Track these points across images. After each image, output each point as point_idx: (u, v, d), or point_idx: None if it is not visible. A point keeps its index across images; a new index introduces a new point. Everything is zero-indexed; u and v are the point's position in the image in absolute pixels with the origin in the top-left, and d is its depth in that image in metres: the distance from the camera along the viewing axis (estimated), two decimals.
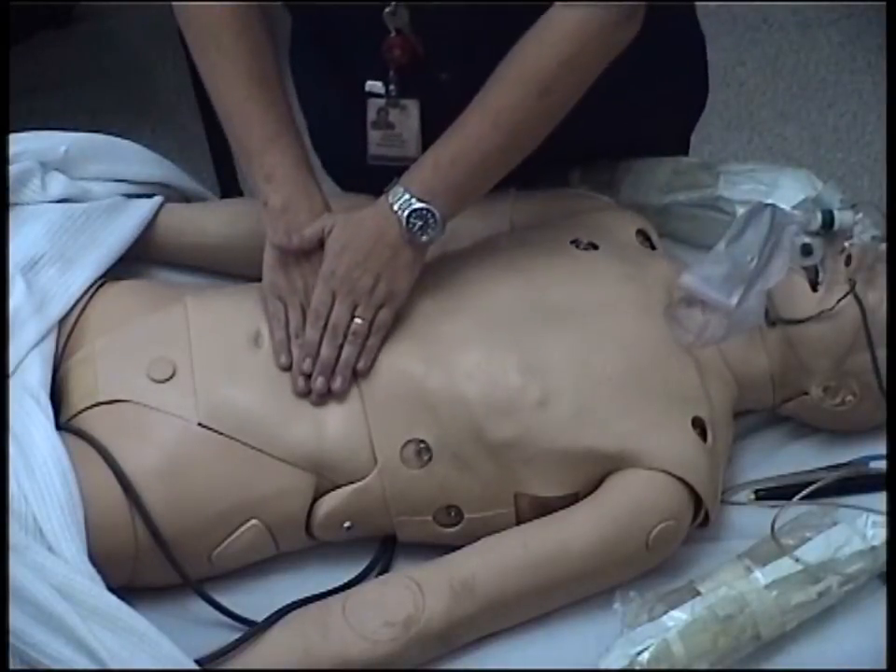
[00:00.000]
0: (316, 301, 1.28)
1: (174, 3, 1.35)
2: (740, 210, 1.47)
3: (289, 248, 1.30)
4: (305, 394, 1.27)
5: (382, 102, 1.40)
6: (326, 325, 1.28)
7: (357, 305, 1.28)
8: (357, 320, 1.27)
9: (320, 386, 1.26)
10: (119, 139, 1.53)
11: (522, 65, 1.25)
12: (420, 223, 1.26)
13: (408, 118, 1.40)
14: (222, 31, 1.33)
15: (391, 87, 1.38)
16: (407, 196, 1.26)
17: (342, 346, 1.28)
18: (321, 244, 1.29)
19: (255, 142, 1.31)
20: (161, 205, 1.49)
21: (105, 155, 1.50)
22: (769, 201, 1.45)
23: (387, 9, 1.32)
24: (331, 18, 1.38)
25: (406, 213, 1.25)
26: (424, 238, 1.27)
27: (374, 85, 1.39)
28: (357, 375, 1.27)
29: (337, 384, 1.27)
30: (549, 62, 1.24)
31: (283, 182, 1.30)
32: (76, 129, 1.52)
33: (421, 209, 1.25)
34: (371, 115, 1.41)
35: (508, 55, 1.25)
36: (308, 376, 1.27)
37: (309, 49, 1.50)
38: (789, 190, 1.49)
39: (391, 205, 1.26)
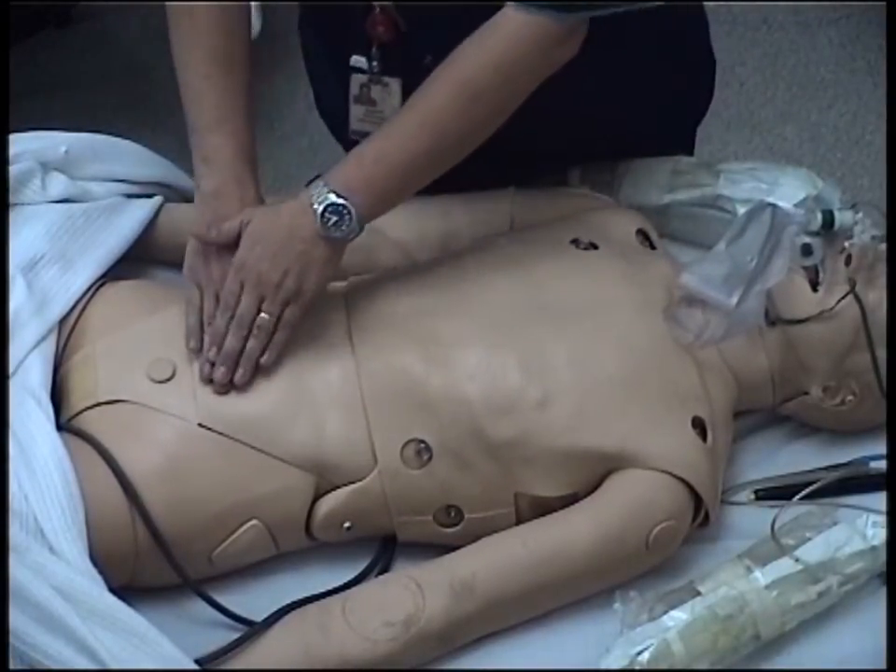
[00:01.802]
0: (226, 291, 1.27)
1: None
2: (741, 209, 1.47)
3: (207, 240, 1.29)
4: (209, 381, 1.26)
5: (364, 77, 1.40)
6: (234, 316, 1.27)
7: (263, 299, 1.26)
8: (263, 314, 1.26)
9: (220, 377, 1.26)
10: (118, 139, 1.53)
11: (455, 68, 1.24)
12: (335, 218, 1.24)
13: (390, 95, 1.41)
14: (201, 6, 1.33)
15: (374, 63, 1.39)
16: (326, 190, 1.24)
17: (247, 338, 1.27)
18: (240, 238, 1.28)
19: (203, 121, 1.32)
20: (161, 205, 1.49)
21: (105, 155, 1.50)
22: (770, 199, 1.45)
23: None
24: None
25: (322, 207, 1.23)
26: (338, 234, 1.24)
27: (359, 60, 1.40)
28: (259, 368, 1.26)
29: (238, 375, 1.26)
30: (482, 67, 1.23)
31: (220, 167, 1.30)
32: (76, 129, 1.51)
33: (337, 204, 1.23)
34: (354, 90, 1.42)
35: (447, 58, 1.24)
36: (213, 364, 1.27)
37: (307, 19, 1.52)
38: (789, 189, 1.49)
39: (309, 198, 1.24)
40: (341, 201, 1.23)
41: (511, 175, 1.45)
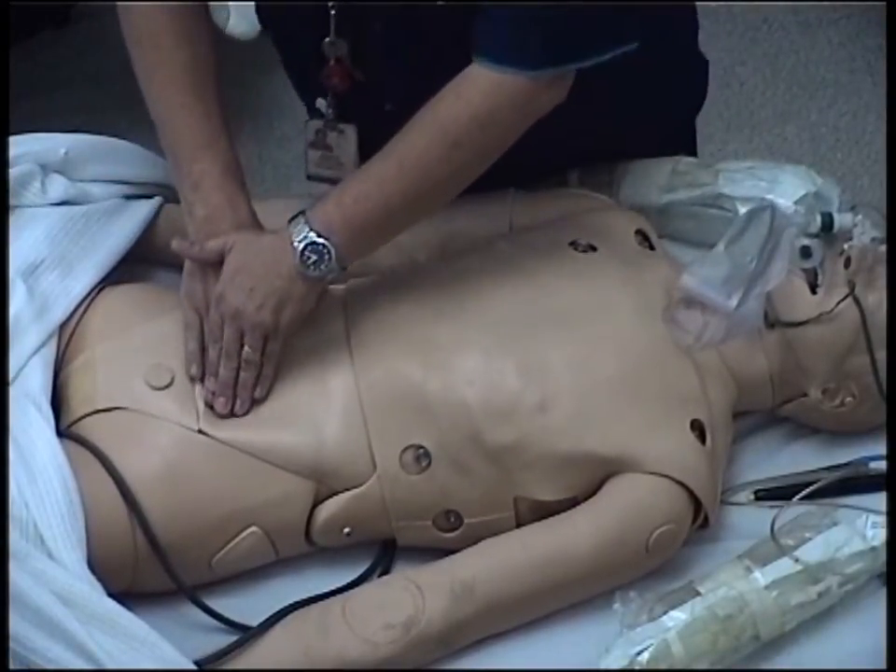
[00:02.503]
0: (211, 323, 1.28)
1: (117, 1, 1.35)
2: (741, 207, 1.47)
3: (189, 256, 1.30)
4: (211, 408, 1.26)
5: (320, 123, 1.41)
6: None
7: (244, 332, 1.26)
8: (247, 348, 1.26)
9: (219, 407, 1.26)
10: (118, 140, 1.53)
11: (434, 116, 1.24)
12: (314, 257, 1.24)
13: (345, 141, 1.41)
14: (163, 33, 1.34)
15: (329, 110, 1.39)
16: (306, 229, 1.24)
17: (238, 368, 1.27)
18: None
19: (185, 150, 1.32)
20: (161, 206, 1.49)
21: (104, 156, 1.50)
22: (770, 196, 1.46)
23: (327, 40, 1.32)
24: (277, 39, 1.42)
25: (302, 245, 1.23)
26: (315, 273, 1.24)
27: (322, 103, 1.40)
28: (255, 402, 1.27)
29: (237, 406, 1.26)
30: (460, 116, 1.23)
31: (209, 191, 1.30)
32: (76, 129, 1.51)
33: (317, 243, 1.23)
34: (310, 135, 1.42)
35: (426, 104, 1.24)
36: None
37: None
38: (789, 186, 1.49)
39: (290, 235, 1.24)
40: (321, 240, 1.23)
41: (510, 178, 1.45)
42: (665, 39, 1.39)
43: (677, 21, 1.50)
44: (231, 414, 1.26)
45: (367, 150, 1.34)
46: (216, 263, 1.28)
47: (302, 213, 1.26)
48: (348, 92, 1.36)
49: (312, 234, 1.24)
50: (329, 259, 1.24)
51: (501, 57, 1.21)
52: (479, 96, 1.22)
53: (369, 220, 1.26)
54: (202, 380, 1.28)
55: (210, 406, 1.26)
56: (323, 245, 1.24)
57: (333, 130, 1.41)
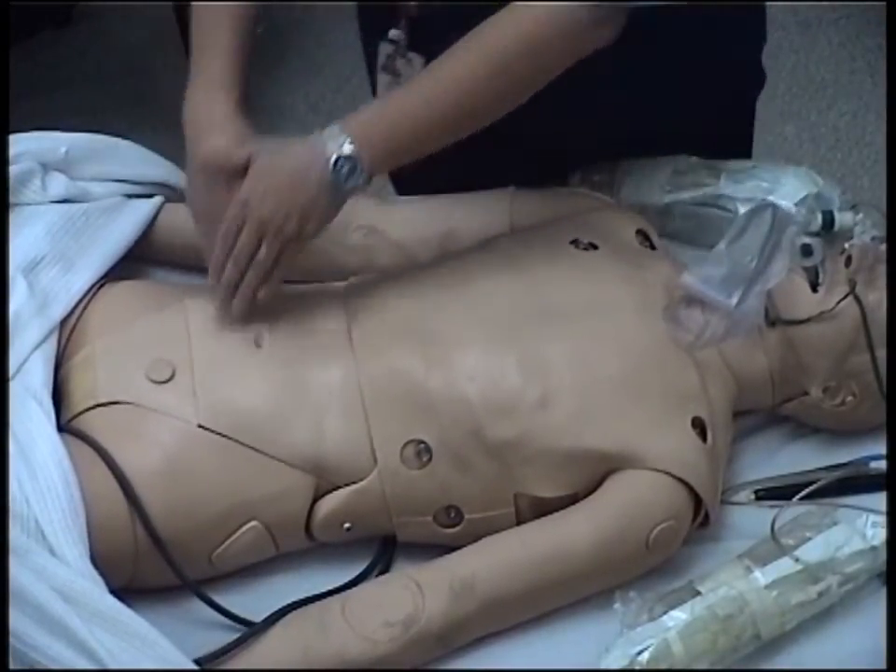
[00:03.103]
0: (227, 225, 1.27)
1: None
2: (742, 208, 1.47)
3: (214, 167, 1.28)
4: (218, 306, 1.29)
5: (391, 48, 1.42)
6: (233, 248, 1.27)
7: (264, 236, 1.26)
8: (262, 250, 1.26)
9: (220, 304, 1.28)
10: (118, 139, 1.53)
11: (485, 39, 1.24)
12: (346, 168, 1.22)
13: (412, 71, 1.41)
14: None
15: (401, 35, 1.40)
16: (342, 138, 1.22)
17: (245, 271, 1.27)
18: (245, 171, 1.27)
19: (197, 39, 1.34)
20: (162, 205, 1.49)
21: (105, 155, 1.50)
22: (771, 198, 1.46)
23: None
24: None
25: (335, 156, 1.21)
26: (346, 185, 1.23)
27: (395, 33, 1.41)
28: (255, 300, 1.28)
29: (234, 306, 1.28)
30: (511, 42, 1.23)
31: (206, 84, 1.31)
32: (76, 129, 1.51)
33: (351, 155, 1.21)
34: (381, 58, 1.43)
35: (478, 27, 1.24)
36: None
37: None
38: (790, 188, 1.49)
39: (323, 144, 1.22)
40: (355, 151, 1.22)
41: (510, 176, 1.46)
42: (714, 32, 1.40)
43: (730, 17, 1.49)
44: (231, 316, 1.28)
45: None
46: (238, 172, 1.27)
47: (335, 123, 1.24)
48: (420, 20, 1.37)
49: (347, 145, 1.21)
50: (362, 171, 1.22)
51: None
52: (533, 23, 1.22)
53: (408, 135, 1.24)
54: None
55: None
56: (357, 156, 1.21)
57: (402, 56, 1.41)
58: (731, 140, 1.59)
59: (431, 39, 1.31)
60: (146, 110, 2.67)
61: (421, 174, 1.33)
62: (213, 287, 1.30)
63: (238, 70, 1.33)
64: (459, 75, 1.24)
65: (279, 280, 1.28)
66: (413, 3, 1.36)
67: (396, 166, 1.29)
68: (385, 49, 1.43)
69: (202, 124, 1.30)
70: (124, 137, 1.54)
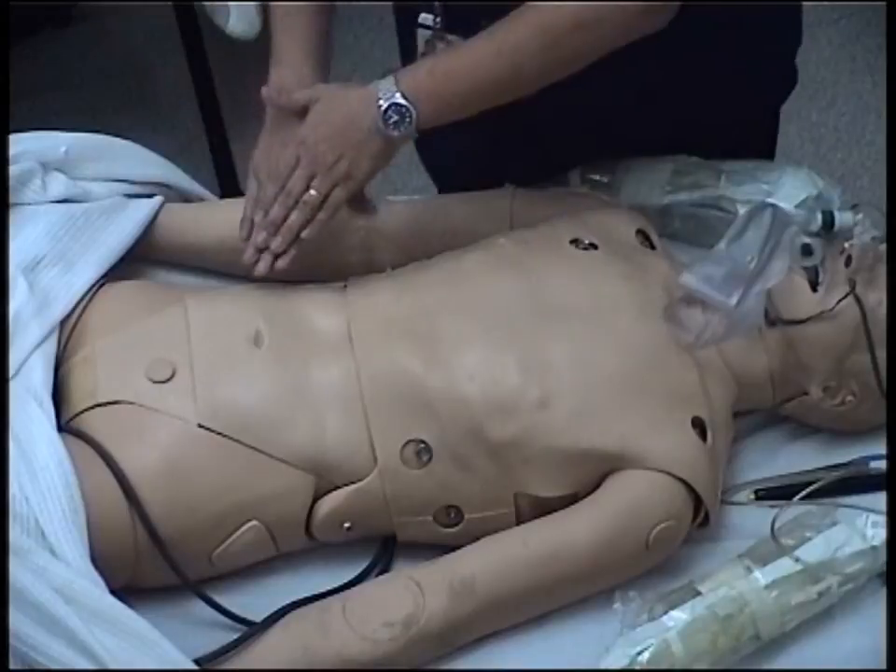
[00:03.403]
0: (281, 164, 1.32)
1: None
2: (742, 209, 1.47)
3: (277, 103, 1.35)
4: (251, 261, 1.34)
5: (429, 33, 1.44)
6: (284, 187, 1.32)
7: (314, 176, 1.31)
8: (311, 191, 1.31)
9: (260, 241, 1.32)
10: (118, 139, 1.53)
11: (540, 12, 1.27)
12: (396, 117, 1.28)
13: None
14: None
15: (438, 19, 1.43)
16: (394, 89, 1.28)
17: (292, 210, 1.32)
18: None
19: (277, 24, 1.41)
20: (162, 205, 1.49)
21: (105, 155, 1.50)
22: (771, 200, 1.45)
23: None
24: None
25: (386, 104, 1.27)
26: (395, 133, 1.28)
27: (427, 18, 1.44)
28: (298, 239, 1.32)
29: (276, 243, 1.32)
30: (564, 16, 1.26)
31: (284, 66, 1.38)
32: (76, 129, 1.51)
33: (401, 105, 1.27)
34: (420, 45, 1.46)
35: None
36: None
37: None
38: (791, 189, 1.49)
39: (376, 93, 1.28)
40: (405, 103, 1.27)
41: (511, 175, 1.46)
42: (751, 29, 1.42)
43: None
44: (273, 257, 1.32)
45: None
46: (299, 115, 1.33)
47: (392, 73, 1.30)
48: (454, 6, 1.40)
49: (398, 96, 1.27)
50: (410, 121, 1.28)
51: None
52: (589, 4, 1.25)
53: (455, 95, 1.30)
54: (246, 240, 1.34)
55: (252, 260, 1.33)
56: (406, 107, 1.27)
57: (441, 40, 1.44)
58: (755, 142, 1.59)
59: (465, 22, 1.35)
60: (146, 110, 2.67)
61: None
62: (249, 231, 1.34)
63: (316, 56, 1.40)
64: (512, 44, 1.28)
65: (323, 223, 1.32)
66: None
67: (447, 120, 1.32)
68: (422, 35, 1.46)
69: (276, 63, 1.38)
70: (124, 137, 1.54)
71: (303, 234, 1.32)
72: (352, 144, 1.29)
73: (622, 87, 1.35)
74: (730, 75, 1.48)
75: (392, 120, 1.28)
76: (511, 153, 1.50)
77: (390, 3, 1.54)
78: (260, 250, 1.34)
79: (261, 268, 1.34)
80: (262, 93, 1.36)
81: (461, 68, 1.30)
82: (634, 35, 1.27)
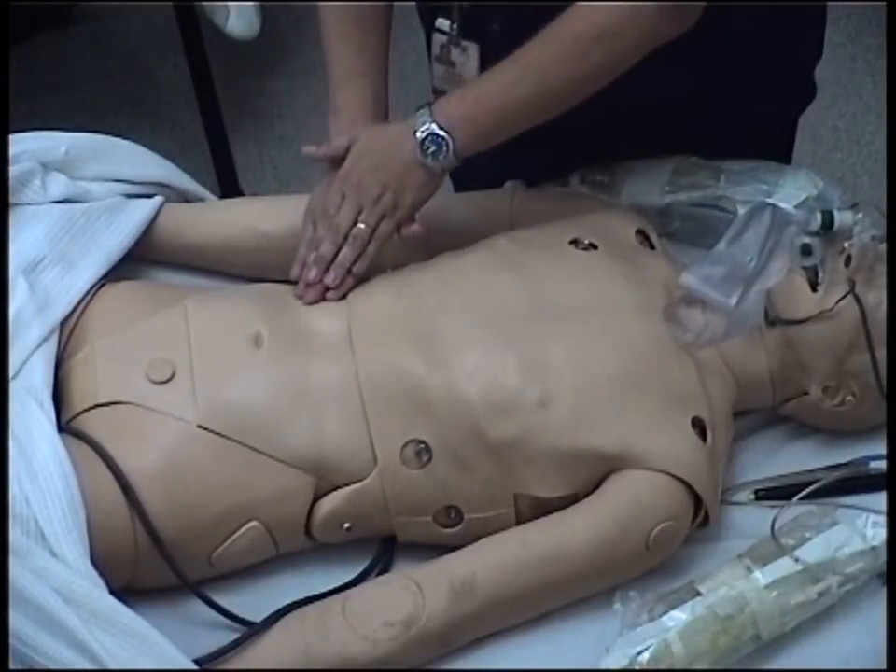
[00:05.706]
0: (328, 201, 1.35)
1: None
2: (742, 209, 1.47)
3: (316, 156, 1.38)
4: (305, 286, 1.36)
5: (444, 38, 1.46)
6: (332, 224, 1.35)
7: (361, 210, 1.34)
8: (360, 224, 1.34)
9: (313, 276, 1.35)
10: (118, 139, 1.53)
11: (563, 28, 1.29)
12: (434, 148, 1.31)
13: (468, 59, 1.46)
14: None
15: (454, 26, 1.44)
16: (429, 120, 1.31)
17: (342, 246, 1.35)
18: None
19: (334, 77, 1.44)
20: (161, 205, 1.49)
21: (104, 155, 1.50)
22: (770, 200, 1.45)
23: None
24: None
25: (424, 135, 1.31)
26: (434, 163, 1.32)
27: (443, 23, 1.46)
28: (351, 275, 1.35)
29: (330, 278, 1.34)
30: (588, 31, 1.28)
31: (345, 120, 1.40)
32: (76, 129, 1.52)
33: (437, 135, 1.31)
34: (435, 49, 1.48)
35: (558, 17, 1.28)
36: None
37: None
38: (791, 189, 1.49)
39: (413, 125, 1.32)
40: (441, 133, 1.31)
41: (511, 175, 1.46)
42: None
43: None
44: (321, 291, 1.35)
45: (487, 68, 1.39)
46: (341, 159, 1.37)
47: (428, 105, 1.32)
48: (471, 11, 1.42)
49: (433, 126, 1.31)
50: (448, 151, 1.31)
51: None
52: (609, 13, 1.27)
53: (488, 120, 1.32)
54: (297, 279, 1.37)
55: (305, 285, 1.35)
56: (443, 137, 1.31)
57: (457, 46, 1.46)
58: (771, 153, 1.59)
59: (482, 28, 1.37)
60: (146, 110, 2.67)
61: None
62: (302, 269, 1.36)
63: (372, 63, 1.43)
64: (537, 64, 1.30)
65: (373, 256, 1.35)
66: None
67: (486, 146, 1.34)
68: (437, 40, 1.47)
69: (334, 114, 1.43)
70: (124, 137, 1.54)
71: (354, 269, 1.35)
72: (394, 176, 1.33)
73: (640, 96, 1.35)
74: (749, 85, 1.49)
75: (430, 151, 1.31)
76: (510, 153, 1.50)
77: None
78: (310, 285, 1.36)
79: (311, 296, 1.36)
80: (303, 151, 1.40)
81: (491, 92, 1.32)
82: (659, 39, 1.28)
